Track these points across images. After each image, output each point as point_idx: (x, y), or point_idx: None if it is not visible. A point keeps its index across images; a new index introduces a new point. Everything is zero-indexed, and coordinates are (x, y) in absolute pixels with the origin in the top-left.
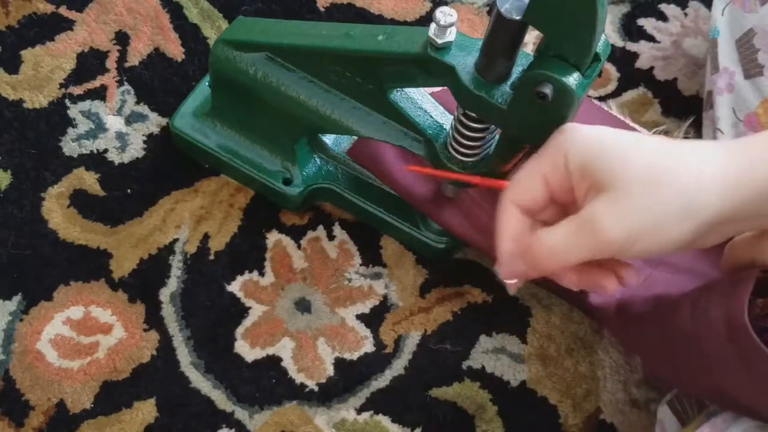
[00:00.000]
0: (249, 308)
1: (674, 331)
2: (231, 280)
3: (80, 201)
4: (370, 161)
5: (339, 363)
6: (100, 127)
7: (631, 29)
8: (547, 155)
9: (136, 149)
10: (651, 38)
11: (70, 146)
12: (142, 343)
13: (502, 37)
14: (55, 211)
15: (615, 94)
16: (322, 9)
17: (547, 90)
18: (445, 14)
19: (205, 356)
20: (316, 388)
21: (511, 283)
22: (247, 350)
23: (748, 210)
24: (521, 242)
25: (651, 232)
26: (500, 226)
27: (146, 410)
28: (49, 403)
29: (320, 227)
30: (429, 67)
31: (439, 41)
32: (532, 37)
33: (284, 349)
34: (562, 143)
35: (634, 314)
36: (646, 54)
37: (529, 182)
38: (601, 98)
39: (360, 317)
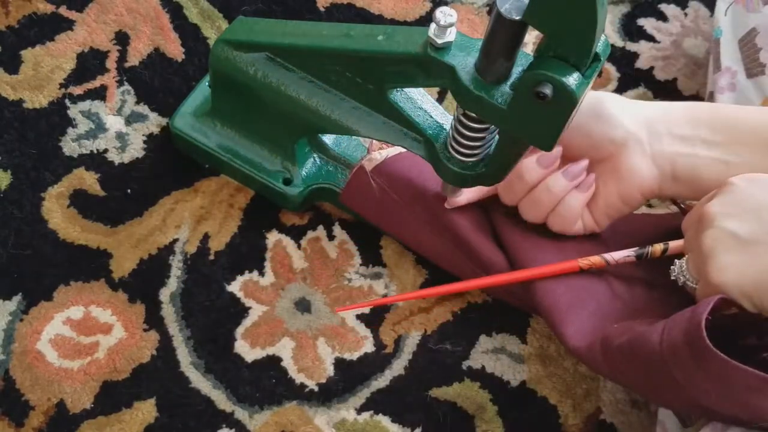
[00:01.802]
0: (249, 308)
1: (648, 357)
2: (231, 280)
3: (80, 201)
4: (363, 207)
5: (339, 363)
6: (100, 127)
7: (631, 29)
8: None
9: (136, 149)
10: (651, 38)
11: (70, 146)
12: (142, 343)
13: (502, 37)
14: (55, 211)
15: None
16: (322, 9)
17: (547, 90)
18: (445, 14)
19: (205, 356)
20: (316, 388)
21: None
22: (247, 350)
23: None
24: None
25: None
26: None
27: (146, 410)
28: (49, 403)
29: (320, 227)
30: (429, 67)
31: (439, 41)
32: (532, 37)
33: (284, 349)
34: None
35: (615, 347)
36: (646, 54)
37: None
38: None
39: (360, 317)
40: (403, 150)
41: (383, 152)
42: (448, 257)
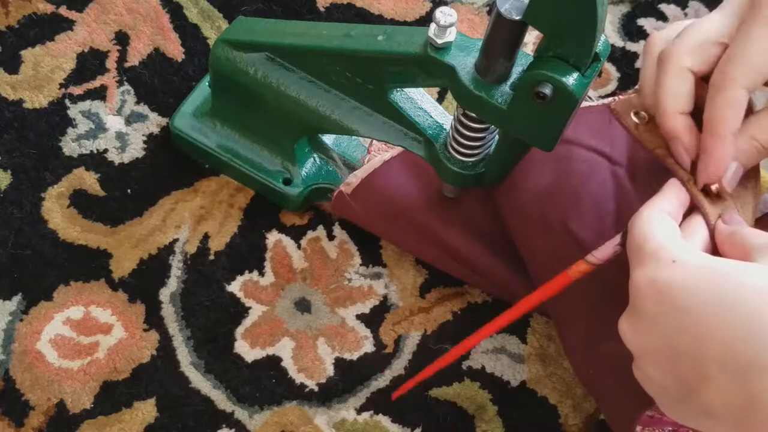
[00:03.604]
0: (249, 308)
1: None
2: (231, 280)
3: (80, 201)
4: (354, 219)
5: (339, 363)
6: (100, 127)
7: (631, 29)
8: None
9: (136, 149)
10: None
11: (70, 146)
12: (142, 343)
13: (502, 37)
14: (55, 211)
15: (615, 94)
16: (322, 9)
17: (547, 90)
18: (445, 14)
19: (205, 356)
20: (316, 388)
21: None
22: (247, 350)
23: None
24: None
25: None
26: (721, 117)
27: (146, 410)
28: (49, 403)
29: (320, 227)
30: (429, 67)
31: (439, 41)
32: (532, 37)
33: (284, 349)
34: None
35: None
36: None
37: (763, 60)
38: (601, 98)
39: (360, 317)
40: (377, 165)
41: (358, 173)
42: (444, 262)
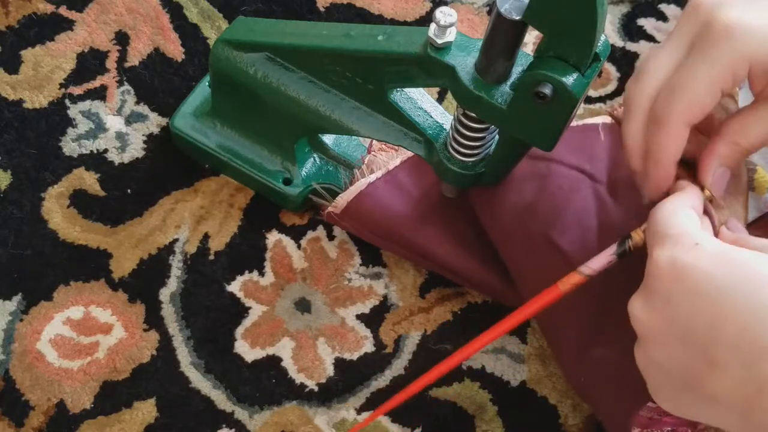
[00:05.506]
0: (249, 308)
1: None
2: (231, 280)
3: (80, 201)
4: (347, 229)
5: (339, 363)
6: (100, 127)
7: (631, 29)
8: (720, 64)
9: (136, 149)
10: (651, 38)
11: (70, 146)
12: (142, 343)
13: (502, 37)
14: (55, 211)
15: (615, 94)
16: (322, 9)
17: (547, 90)
18: (445, 14)
19: (205, 356)
20: (316, 388)
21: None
22: (247, 350)
23: None
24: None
25: None
26: (663, 150)
27: (146, 410)
28: (49, 403)
29: (320, 227)
30: (429, 67)
31: (439, 41)
32: (532, 37)
33: (284, 349)
34: (740, 48)
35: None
36: (646, 54)
37: (704, 97)
38: (601, 98)
39: (360, 317)
40: (362, 186)
41: (344, 195)
42: (439, 272)
